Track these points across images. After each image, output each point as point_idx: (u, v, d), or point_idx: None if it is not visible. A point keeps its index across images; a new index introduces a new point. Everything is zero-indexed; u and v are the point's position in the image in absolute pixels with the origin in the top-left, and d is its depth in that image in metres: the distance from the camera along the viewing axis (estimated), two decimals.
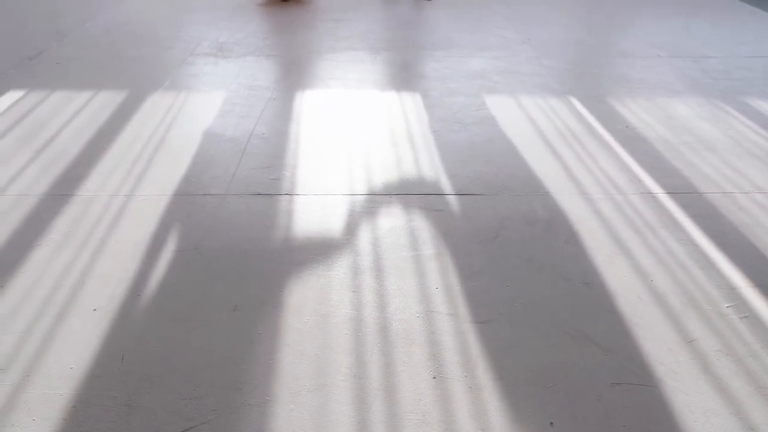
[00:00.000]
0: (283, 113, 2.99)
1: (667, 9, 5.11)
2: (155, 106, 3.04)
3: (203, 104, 3.07)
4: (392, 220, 2.13)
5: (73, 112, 2.95)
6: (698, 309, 1.73)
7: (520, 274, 1.87)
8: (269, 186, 2.34)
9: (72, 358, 1.56)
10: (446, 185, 2.36)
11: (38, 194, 2.27)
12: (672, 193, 2.32)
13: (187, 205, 2.21)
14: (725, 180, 2.42)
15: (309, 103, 3.12)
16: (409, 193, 2.30)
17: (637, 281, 1.84)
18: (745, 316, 1.70)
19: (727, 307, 1.74)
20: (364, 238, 2.03)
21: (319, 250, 1.97)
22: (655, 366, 1.54)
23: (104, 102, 3.07)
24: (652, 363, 1.55)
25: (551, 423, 1.39)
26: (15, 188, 2.30)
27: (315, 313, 1.70)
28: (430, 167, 2.49)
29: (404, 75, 3.55)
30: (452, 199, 2.27)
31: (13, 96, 3.12)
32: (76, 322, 1.67)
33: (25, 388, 1.47)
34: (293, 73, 3.53)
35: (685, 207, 2.23)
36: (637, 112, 3.06)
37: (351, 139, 2.73)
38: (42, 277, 1.83)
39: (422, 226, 2.10)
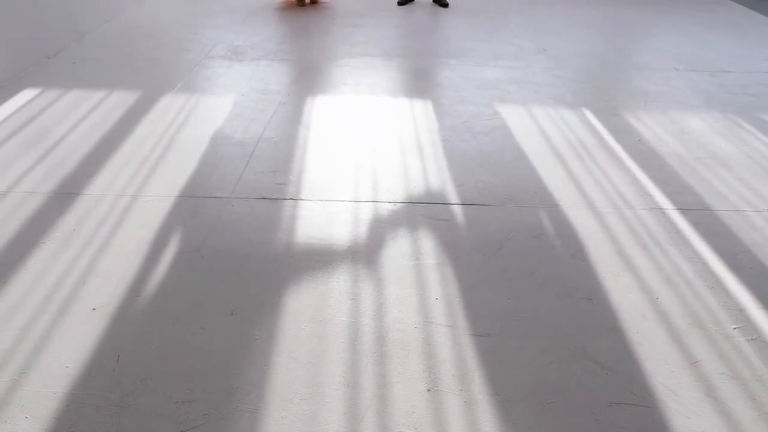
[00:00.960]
0: (293, 118, 2.99)
1: (687, 22, 5.04)
2: (167, 107, 3.06)
3: (214, 107, 3.08)
4: (396, 229, 2.11)
5: (85, 112, 2.99)
6: (704, 330, 1.68)
7: (522, 288, 1.84)
8: (275, 190, 2.34)
9: (69, 356, 1.56)
10: (452, 195, 2.34)
11: (46, 192, 2.29)
12: (683, 209, 2.27)
13: (192, 206, 2.22)
14: (739, 198, 2.37)
15: (320, 109, 3.12)
16: (415, 201, 2.29)
17: (642, 299, 1.80)
18: (752, 339, 1.65)
19: (734, 328, 1.69)
20: (366, 245, 2.02)
21: (321, 257, 1.96)
22: (656, 387, 1.50)
23: (117, 102, 3.10)
24: (653, 384, 1.51)
25: None
26: (24, 185, 2.33)
27: (312, 320, 1.69)
28: (437, 176, 2.48)
29: (417, 82, 3.54)
30: (457, 209, 2.25)
31: (28, 94, 3.17)
32: (76, 321, 1.67)
33: (21, 385, 1.48)
34: (306, 78, 3.54)
35: (696, 224, 2.18)
36: (650, 125, 3.01)
37: (359, 146, 2.73)
38: (44, 274, 1.85)
39: (425, 236, 2.08)
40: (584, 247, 2.04)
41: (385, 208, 2.24)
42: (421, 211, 2.23)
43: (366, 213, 2.20)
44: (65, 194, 2.28)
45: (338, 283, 1.84)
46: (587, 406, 1.45)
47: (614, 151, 2.73)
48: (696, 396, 1.47)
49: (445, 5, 5.37)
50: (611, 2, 5.65)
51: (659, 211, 2.26)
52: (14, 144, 2.65)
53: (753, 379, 1.52)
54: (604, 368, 1.55)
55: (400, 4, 5.42)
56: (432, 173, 2.50)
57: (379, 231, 2.10)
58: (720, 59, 4.07)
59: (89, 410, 1.41)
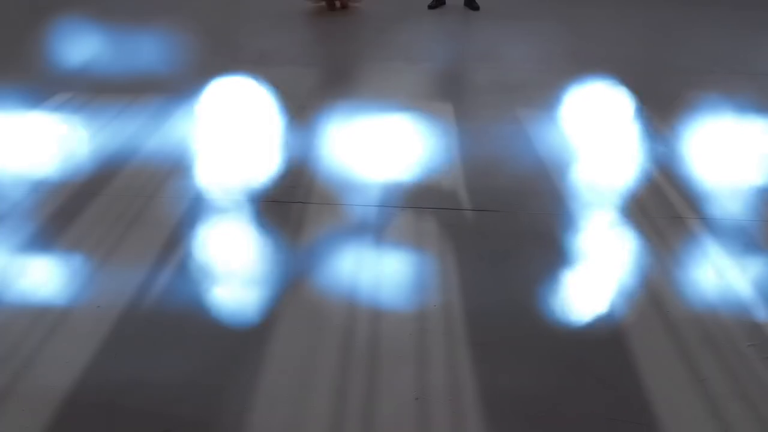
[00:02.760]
0: (311, 121, 3.01)
1: (727, 22, 4.82)
2: (189, 110, 3.12)
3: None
4: (402, 234, 2.09)
5: (110, 115, 3.08)
6: (715, 345, 1.59)
7: (526, 297, 1.79)
8: (284, 193, 2.35)
9: (69, 353, 1.60)
10: (464, 200, 2.30)
11: (66, 193, 2.36)
12: (704, 218, 2.17)
13: (203, 209, 2.25)
14: (765, 207, 2.24)
15: (339, 112, 3.12)
16: (425, 206, 2.26)
17: (651, 311, 1.72)
18: (767, 357, 1.55)
19: (749, 345, 1.60)
20: (369, 250, 2.00)
21: (322, 260, 1.95)
22: (658, 404, 1.43)
23: (142, 105, 3.19)
24: (654, 401, 1.44)
25: None
26: (44, 186, 2.41)
27: (307, 324, 1.68)
28: (451, 181, 2.44)
29: (440, 86, 3.51)
30: (468, 215, 2.21)
31: (60, 98, 3.29)
32: (79, 318, 1.72)
33: (22, 379, 1.52)
34: (329, 82, 3.57)
35: (718, 235, 2.08)
36: (677, 130, 2.89)
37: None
38: (52, 272, 1.91)
39: (432, 241, 2.05)
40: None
41: (394, 213, 2.22)
42: (431, 216, 2.20)
43: (372, 217, 2.19)
44: (84, 194, 2.34)
45: (337, 286, 1.83)
46: (582, 422, 1.39)
47: (636, 157, 2.63)
48: (699, 415, 1.40)
49: (476, 8, 5.31)
50: (647, 3, 5.47)
51: (679, 220, 2.16)
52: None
53: (763, 401, 1.43)
54: (604, 383, 1.49)
55: (430, 7, 5.39)
56: (445, 178, 2.46)
57: (385, 235, 2.08)
58: (764, 61, 3.88)
59: (80, 407, 1.44)
